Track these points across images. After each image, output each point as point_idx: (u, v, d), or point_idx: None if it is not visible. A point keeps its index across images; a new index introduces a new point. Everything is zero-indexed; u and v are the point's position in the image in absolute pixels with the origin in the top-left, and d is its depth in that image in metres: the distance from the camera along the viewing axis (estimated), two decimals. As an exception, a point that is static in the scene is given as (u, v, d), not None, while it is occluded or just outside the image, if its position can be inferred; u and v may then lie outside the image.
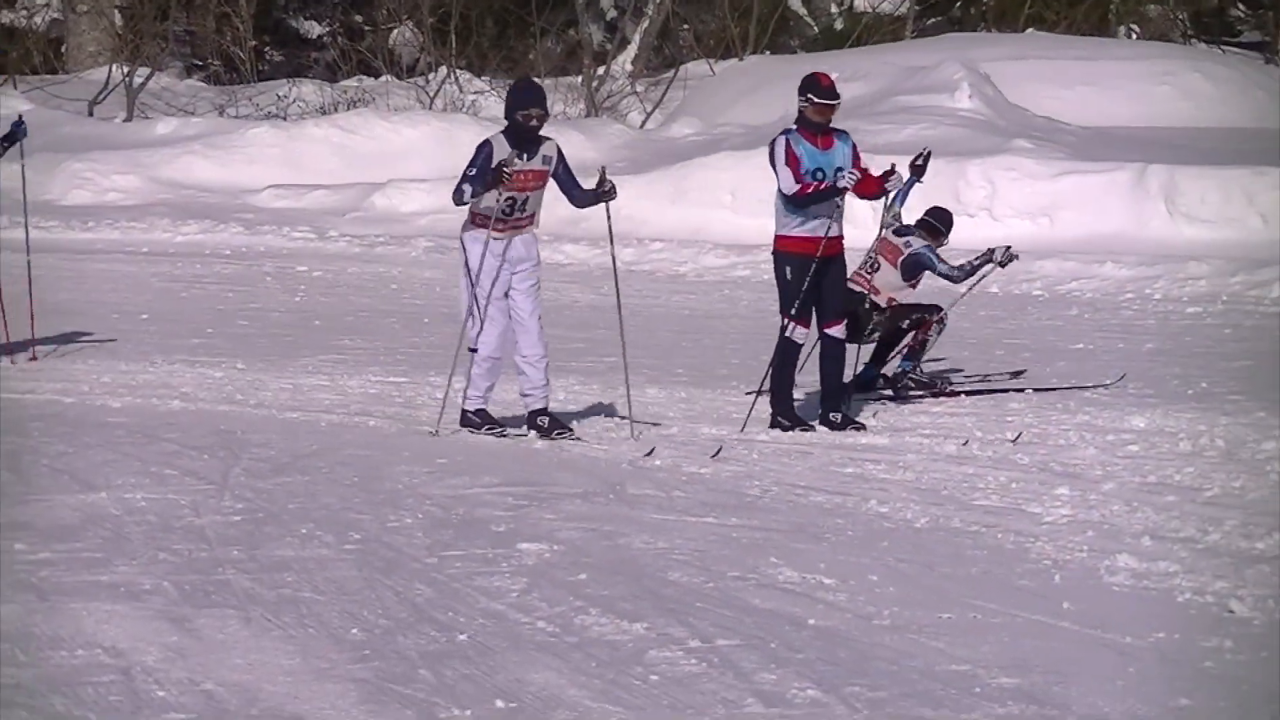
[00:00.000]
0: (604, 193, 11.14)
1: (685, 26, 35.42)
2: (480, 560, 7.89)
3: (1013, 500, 9.65)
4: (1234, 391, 12.68)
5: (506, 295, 11.21)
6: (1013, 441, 11.12)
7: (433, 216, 23.23)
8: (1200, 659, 6.70)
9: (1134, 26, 34.21)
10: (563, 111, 29.81)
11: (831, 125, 11.65)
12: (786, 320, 11.69)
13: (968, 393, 13.33)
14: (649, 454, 10.70)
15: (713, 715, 5.91)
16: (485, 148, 11.01)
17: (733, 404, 12.67)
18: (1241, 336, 15.88)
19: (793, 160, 11.43)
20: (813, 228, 11.55)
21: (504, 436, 11.20)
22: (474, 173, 10.94)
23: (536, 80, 11.09)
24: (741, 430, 11.62)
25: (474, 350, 11.21)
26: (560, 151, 11.17)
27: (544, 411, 11.29)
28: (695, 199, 23.59)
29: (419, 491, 9.44)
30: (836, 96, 11.57)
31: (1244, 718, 6.10)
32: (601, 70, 33.27)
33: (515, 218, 11.15)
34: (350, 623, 6.86)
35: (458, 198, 11.13)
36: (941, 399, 13.04)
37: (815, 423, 11.76)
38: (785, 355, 11.79)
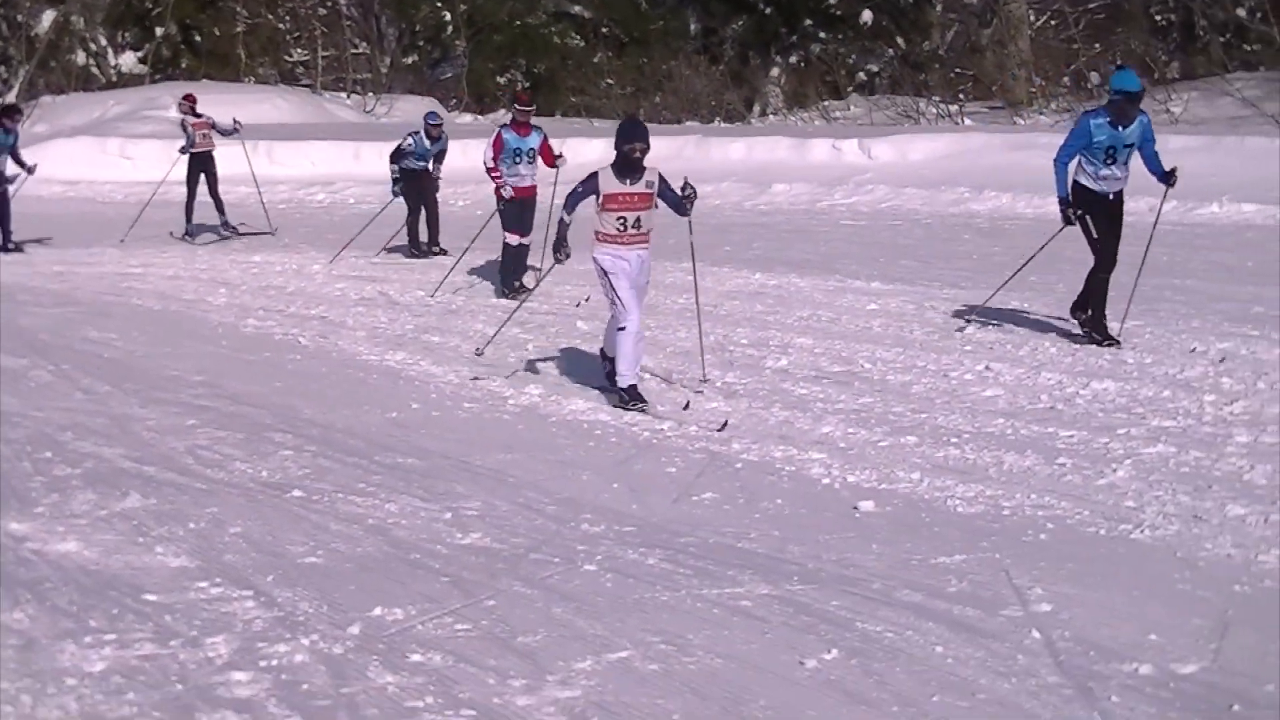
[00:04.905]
0: (686, 196, 12.44)
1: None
2: None
3: None
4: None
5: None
6: (719, 430, 11.56)
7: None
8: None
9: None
10: None
11: (530, 123, 18.13)
12: (506, 234, 17.98)
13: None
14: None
15: None
16: (592, 179, 12.31)
17: None
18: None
19: (497, 142, 17.95)
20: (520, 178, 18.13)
21: (644, 413, 12.09)
22: (580, 190, 12.32)
23: (640, 120, 13.10)
24: None
25: (622, 328, 12.28)
26: (661, 176, 12.41)
27: (623, 387, 12.39)
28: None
29: None
30: (529, 105, 18.27)
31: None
32: None
33: (630, 233, 12.36)
34: None
35: (561, 214, 12.49)
36: None
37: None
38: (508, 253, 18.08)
